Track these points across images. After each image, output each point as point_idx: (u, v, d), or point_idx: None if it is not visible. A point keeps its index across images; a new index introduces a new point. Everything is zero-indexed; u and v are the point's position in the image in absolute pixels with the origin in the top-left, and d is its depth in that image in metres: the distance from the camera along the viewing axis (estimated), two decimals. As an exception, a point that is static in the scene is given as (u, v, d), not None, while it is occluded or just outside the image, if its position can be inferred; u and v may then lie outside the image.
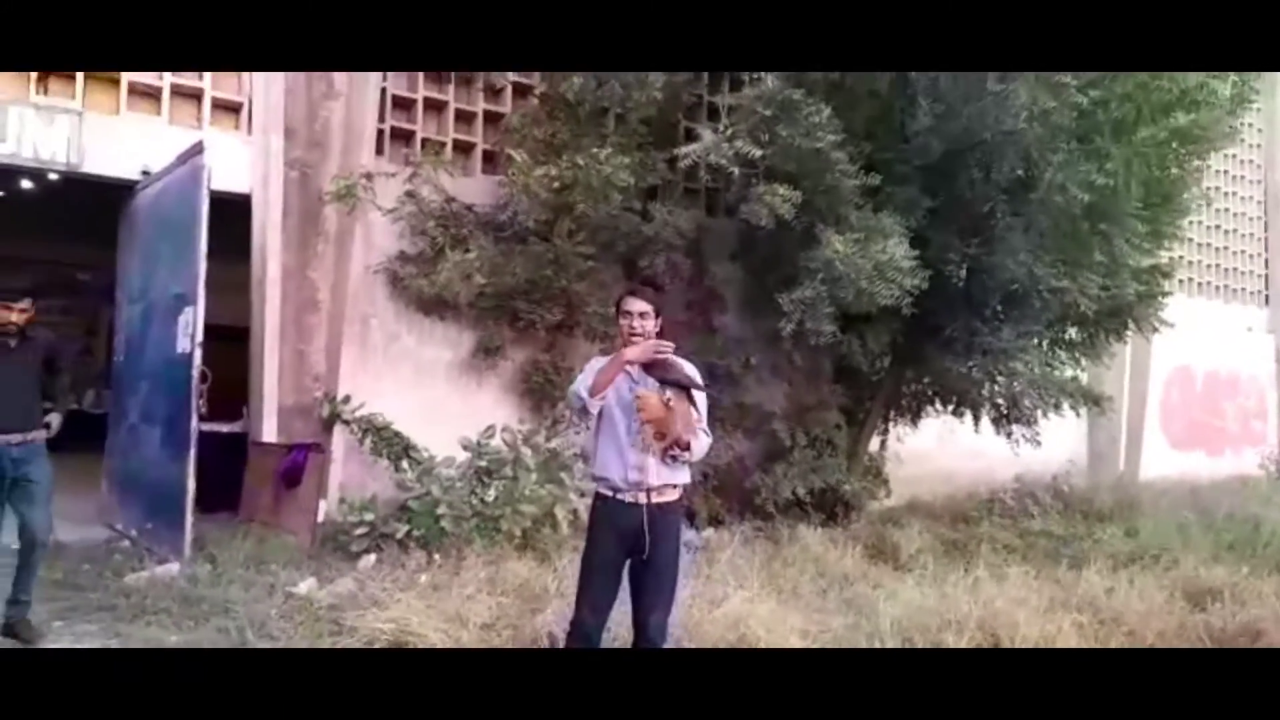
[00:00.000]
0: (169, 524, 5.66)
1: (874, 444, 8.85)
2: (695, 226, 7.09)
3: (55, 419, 4.46)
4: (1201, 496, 8.79)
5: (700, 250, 7.39)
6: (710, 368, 7.72)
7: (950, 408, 8.26)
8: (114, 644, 4.24)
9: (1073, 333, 7.80)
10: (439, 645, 4.16)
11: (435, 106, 7.41)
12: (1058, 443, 9.43)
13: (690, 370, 3.32)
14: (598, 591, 3.26)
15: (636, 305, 3.29)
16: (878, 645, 4.06)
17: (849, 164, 5.83)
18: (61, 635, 4.40)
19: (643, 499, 3.19)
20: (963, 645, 4.05)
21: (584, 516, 6.72)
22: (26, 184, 8.01)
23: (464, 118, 7.54)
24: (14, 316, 4.28)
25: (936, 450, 9.48)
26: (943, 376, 7.76)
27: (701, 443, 3.23)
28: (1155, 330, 7.75)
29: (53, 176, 6.47)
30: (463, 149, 7.52)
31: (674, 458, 3.20)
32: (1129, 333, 7.82)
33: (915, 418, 8.68)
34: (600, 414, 3.31)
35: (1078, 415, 8.22)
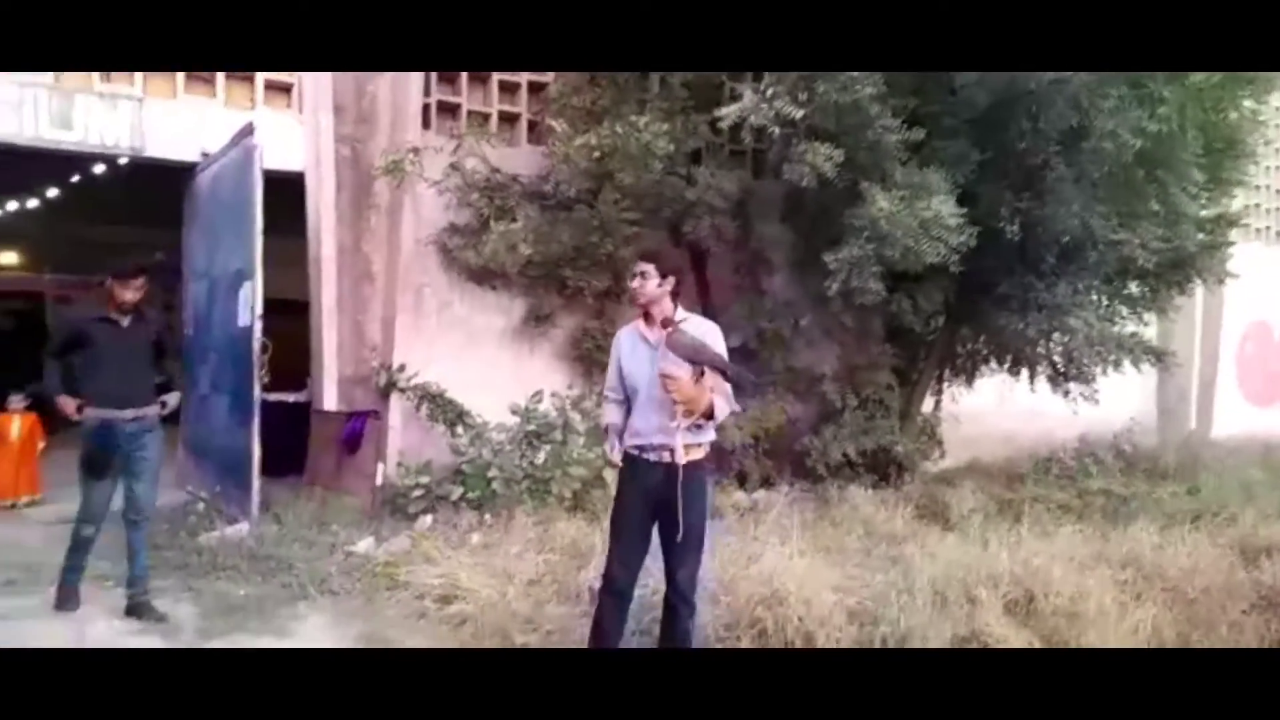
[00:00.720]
0: (238, 487, 5.96)
1: (928, 404, 8.75)
2: (739, 189, 7.05)
3: (173, 398, 4.47)
4: (1275, 454, 8.48)
5: (746, 212, 7.36)
6: (759, 330, 7.76)
7: (1006, 366, 8.10)
8: (187, 598, 4.51)
9: (1133, 287, 7.56)
10: (486, 599, 4.32)
11: (479, 79, 7.50)
12: (1124, 401, 9.19)
13: (714, 339, 3.37)
14: (626, 548, 3.38)
15: (638, 266, 3.40)
16: (909, 600, 4.08)
17: (892, 119, 5.73)
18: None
19: (666, 458, 3.28)
20: (996, 600, 4.06)
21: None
22: (98, 169, 8.43)
23: (508, 88, 7.62)
24: (129, 294, 4.26)
25: (995, 411, 9.31)
26: (997, 334, 7.61)
27: (723, 409, 3.31)
28: (1220, 282, 7.47)
29: (121, 161, 6.79)
30: (508, 120, 7.61)
31: (699, 426, 3.29)
32: (1193, 285, 7.55)
33: (970, 377, 8.54)
34: (624, 379, 3.42)
35: (1139, 372, 7.97)
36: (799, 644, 3.80)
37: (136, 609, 4.28)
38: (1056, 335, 7.31)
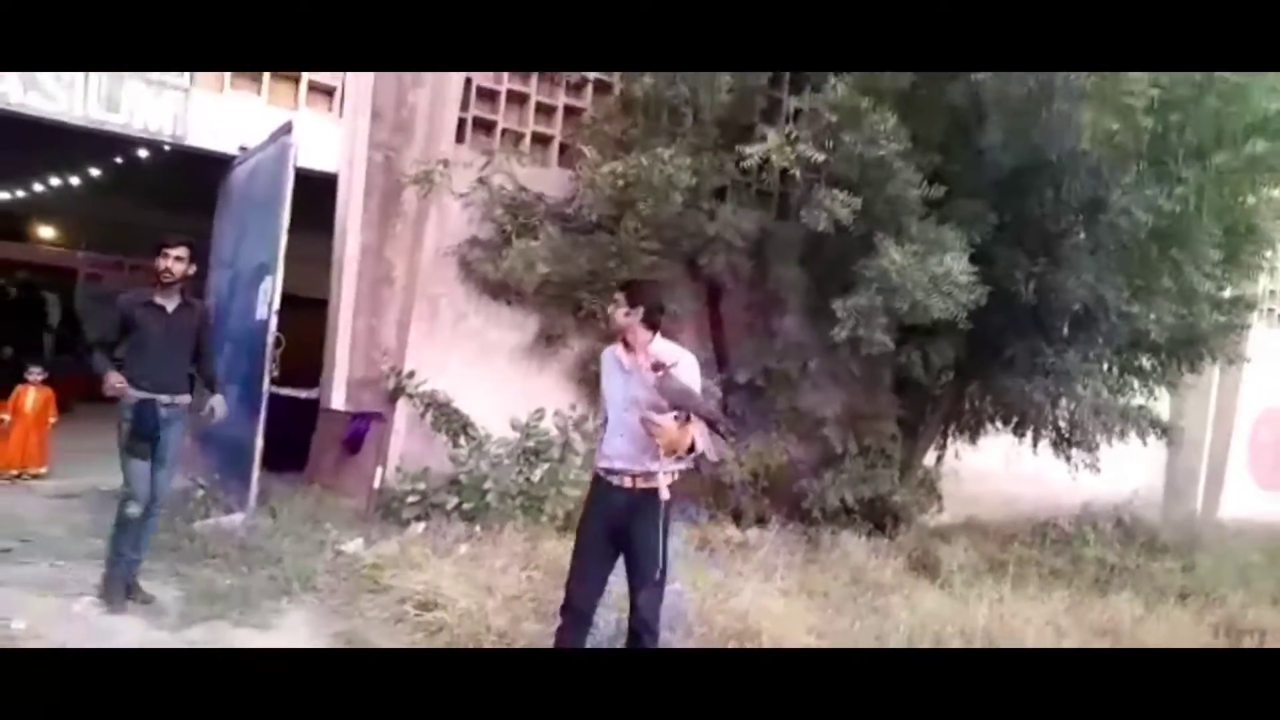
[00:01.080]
0: (238, 477, 6.06)
1: (930, 458, 8.75)
2: (758, 229, 7.15)
3: (219, 406, 4.54)
4: (1278, 540, 8.39)
5: (764, 252, 7.45)
6: (766, 369, 7.82)
7: (1010, 427, 8.10)
8: (174, 582, 4.59)
9: (1145, 360, 7.56)
10: (464, 609, 4.38)
11: (518, 99, 7.66)
12: (1132, 474, 9.14)
13: (691, 372, 3.42)
14: (585, 566, 3.46)
15: (617, 295, 3.52)
16: (878, 646, 4.10)
17: (914, 174, 5.81)
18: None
19: (628, 483, 3.36)
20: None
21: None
22: (141, 153, 8.68)
23: (545, 110, 7.78)
24: (172, 264, 4.24)
25: (1000, 471, 9.29)
26: (1004, 395, 7.62)
27: (701, 446, 3.34)
28: (1232, 363, 7.45)
29: (164, 148, 7.00)
30: (541, 141, 7.76)
31: (679, 459, 3.35)
32: (1205, 363, 7.53)
33: (975, 435, 8.54)
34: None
35: (1144, 444, 7.94)
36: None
37: (126, 590, 4.32)
38: (1063, 401, 7.32)
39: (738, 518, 7.72)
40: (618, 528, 3.38)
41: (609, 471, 3.44)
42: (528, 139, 7.59)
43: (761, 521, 7.73)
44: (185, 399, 4.40)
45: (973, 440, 8.62)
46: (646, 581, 3.33)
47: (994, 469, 9.18)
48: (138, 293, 4.42)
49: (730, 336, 8.11)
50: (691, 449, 3.31)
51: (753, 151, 5.83)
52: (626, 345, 3.47)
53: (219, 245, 7.50)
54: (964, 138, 6.21)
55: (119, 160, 10.10)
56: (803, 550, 6.88)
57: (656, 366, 3.28)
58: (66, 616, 4.08)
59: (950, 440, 8.78)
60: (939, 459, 8.84)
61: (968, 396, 8.26)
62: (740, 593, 4.62)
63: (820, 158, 5.66)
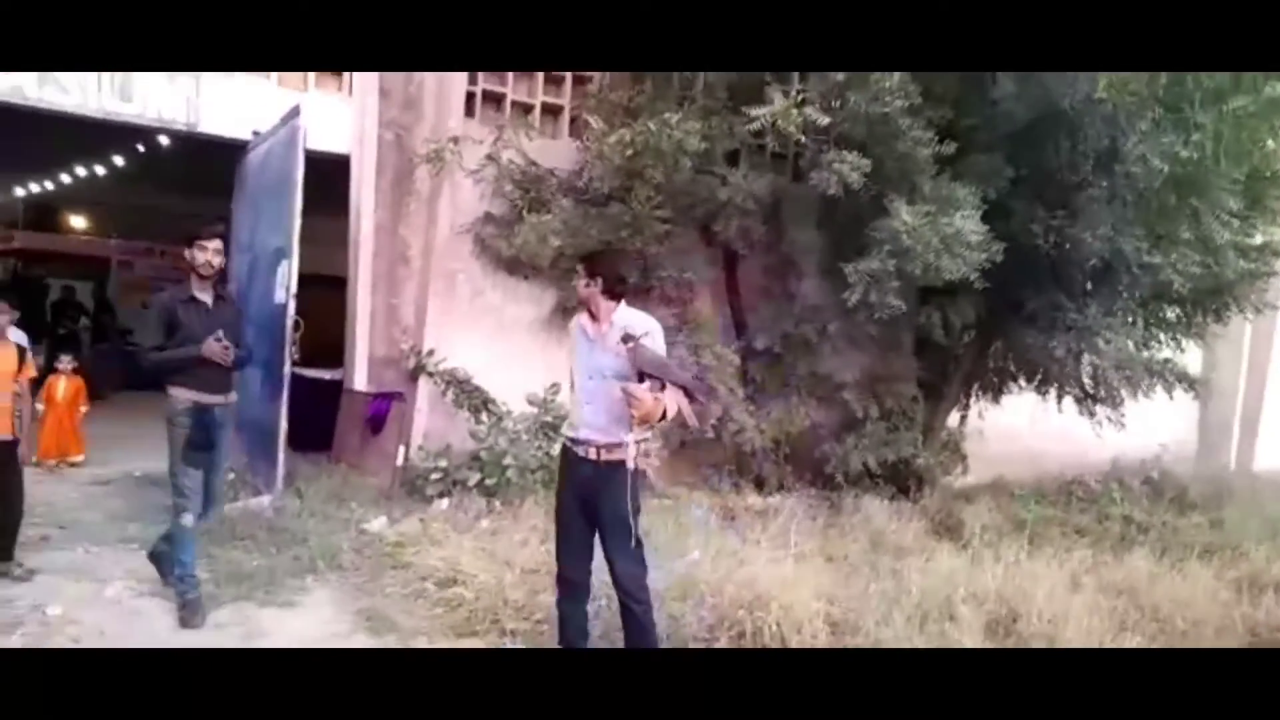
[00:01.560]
0: (265, 460, 6.19)
1: (954, 419, 8.70)
2: (772, 192, 7.08)
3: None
4: (1315, 491, 8.24)
5: (779, 216, 7.38)
6: (784, 334, 7.79)
7: (1034, 385, 8.01)
8: (203, 564, 4.71)
9: (1170, 312, 7.41)
10: (483, 584, 4.46)
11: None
12: (1162, 428, 9.01)
13: (658, 338, 3.43)
14: (566, 539, 3.52)
15: (578, 267, 3.56)
16: (889, 612, 4.13)
17: (923, 131, 5.70)
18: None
19: (593, 454, 3.40)
20: (979, 617, 4.07)
21: (651, 477, 7.03)
22: (161, 140, 8.77)
23: (553, 80, 7.73)
24: (210, 257, 4.18)
25: (1026, 430, 9.21)
26: (1026, 352, 7.52)
27: (674, 411, 3.35)
28: (1259, 311, 7.28)
29: (180, 131, 7.07)
30: (551, 112, 7.73)
31: (650, 428, 3.39)
32: (1230, 313, 7.36)
33: (998, 394, 8.46)
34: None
35: (1170, 398, 7.81)
36: (772, 647, 3.86)
37: (157, 558, 4.42)
38: (1085, 356, 7.21)
39: (760, 485, 7.75)
40: (586, 498, 3.44)
41: (575, 441, 3.49)
42: (537, 111, 7.56)
43: (784, 488, 7.76)
44: (234, 397, 4.37)
45: (996, 399, 8.54)
46: (621, 552, 3.37)
47: (1020, 427, 9.09)
48: (175, 290, 4.34)
49: (747, 302, 8.07)
50: (663, 417, 3.32)
51: (758, 114, 5.74)
52: (591, 315, 3.50)
53: (237, 230, 7.58)
54: (977, 90, 6.07)
55: (139, 149, 10.22)
56: (824, 515, 6.89)
57: (627, 338, 3.29)
58: (100, 601, 4.23)
59: (973, 400, 8.72)
60: (962, 419, 8.78)
61: (990, 355, 8.17)
62: (750, 561, 4.65)
63: (826, 120, 5.56)
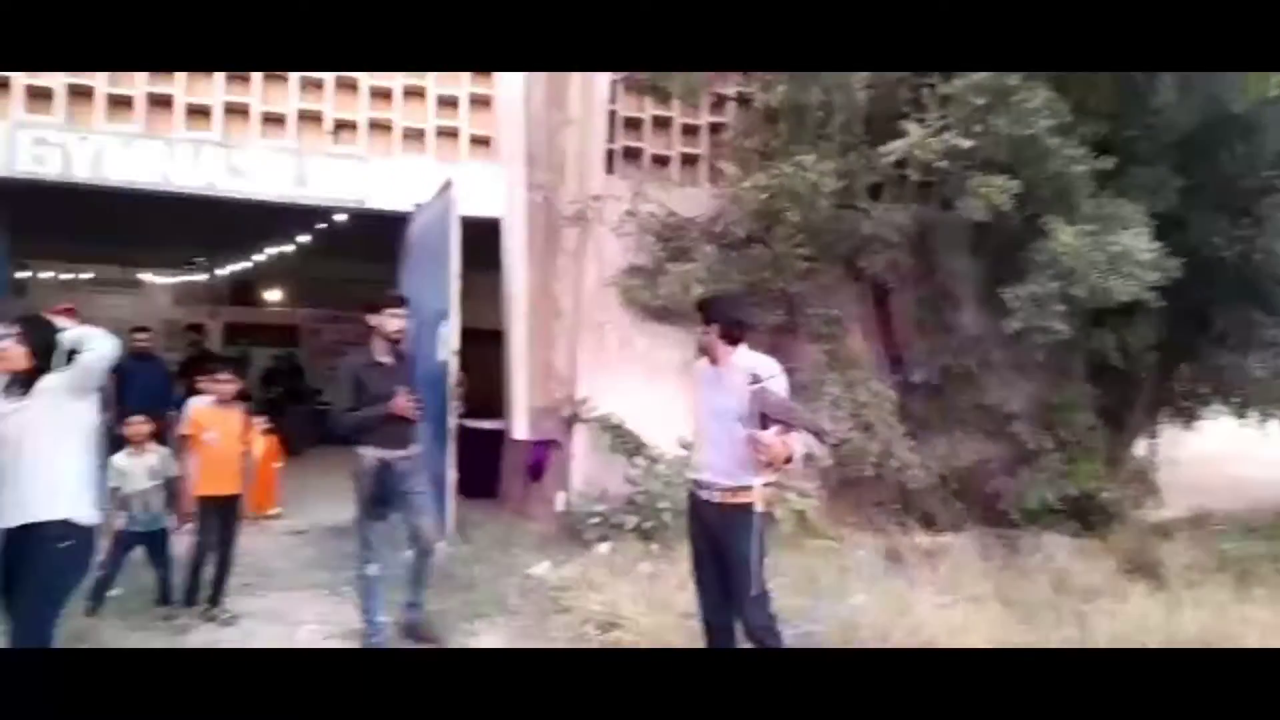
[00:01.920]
0: (436, 509, 6.53)
1: (1142, 448, 8.05)
2: (917, 222, 6.90)
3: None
4: None
5: (928, 245, 7.18)
6: (944, 367, 7.51)
7: (1232, 408, 7.31)
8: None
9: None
10: (642, 629, 4.50)
11: (661, 123, 7.84)
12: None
13: (783, 382, 3.40)
14: (699, 583, 3.56)
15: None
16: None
17: (1077, 148, 5.42)
18: (343, 603, 5.28)
19: (717, 497, 3.40)
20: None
21: (812, 517, 6.89)
22: (338, 217, 9.57)
23: (690, 130, 7.90)
24: (396, 324, 4.51)
25: (1231, 456, 8.41)
26: (1219, 373, 6.91)
27: (799, 455, 3.35)
28: None
29: (351, 209, 7.73)
30: (690, 160, 7.89)
31: (775, 471, 3.38)
32: None
33: (1190, 419, 7.77)
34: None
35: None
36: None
37: (412, 629, 4.63)
38: (1291, 375, 6.53)
39: (928, 523, 7.44)
40: (711, 541, 3.45)
41: (699, 485, 3.51)
42: (674, 162, 7.74)
43: (954, 527, 7.40)
44: (419, 449, 4.63)
45: (1189, 425, 7.84)
46: (744, 597, 3.34)
47: (1222, 453, 8.31)
48: (358, 353, 4.66)
49: (901, 336, 7.85)
50: (789, 460, 3.29)
51: (894, 148, 5.65)
52: (712, 359, 3.52)
53: (404, 294, 8.14)
54: (1135, 101, 5.72)
55: (319, 226, 11.19)
56: (1000, 555, 6.51)
57: (754, 380, 3.29)
58: (292, 644, 4.58)
59: (1163, 426, 8.05)
60: (1153, 448, 8.11)
61: (1176, 378, 7.54)
62: (921, 604, 4.46)
63: (967, 144, 5.39)
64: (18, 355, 3.19)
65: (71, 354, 3.29)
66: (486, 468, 7.99)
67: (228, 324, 16.79)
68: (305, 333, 17.27)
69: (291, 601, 5.31)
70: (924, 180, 7.59)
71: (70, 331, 3.33)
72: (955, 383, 7.42)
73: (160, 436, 5.27)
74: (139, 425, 4.97)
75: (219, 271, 16.83)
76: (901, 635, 4.04)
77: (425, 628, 4.64)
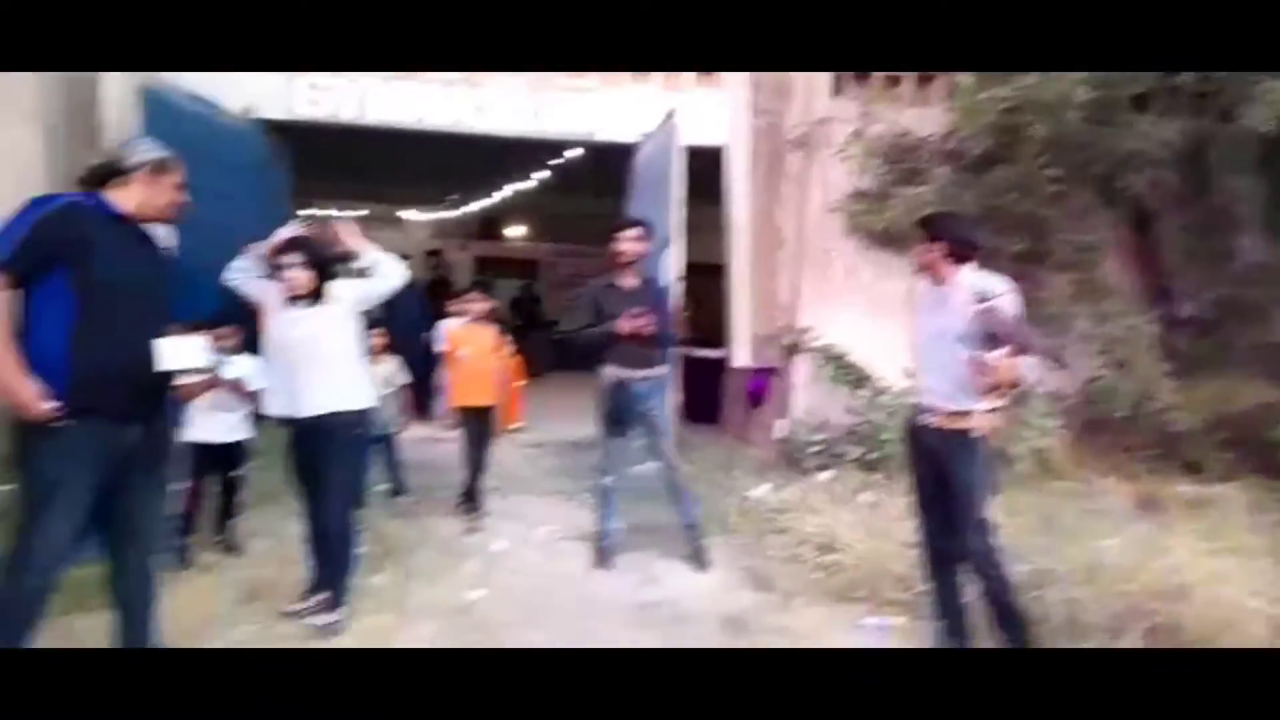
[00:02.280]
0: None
1: None
2: (1190, 137, 6.11)
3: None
4: None
5: (1201, 163, 6.35)
6: (1218, 298, 6.70)
7: None
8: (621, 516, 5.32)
9: None
10: (862, 553, 4.49)
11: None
12: None
13: (1016, 303, 3.18)
14: (922, 508, 3.47)
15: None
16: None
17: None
18: (580, 508, 5.68)
19: (938, 422, 3.29)
20: None
21: (1053, 457, 6.47)
22: (571, 154, 10.02)
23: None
24: (626, 246, 4.58)
25: None
26: None
27: (1026, 380, 3.20)
28: None
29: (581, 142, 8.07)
30: (925, 79, 7.43)
31: (1001, 395, 3.19)
32: None
33: None
34: None
35: None
36: (1191, 644, 3.38)
37: (695, 554, 4.68)
38: None
39: (1191, 471, 6.74)
40: (932, 466, 3.34)
41: (920, 409, 3.40)
42: (907, 79, 7.32)
43: (1223, 478, 6.66)
44: (659, 371, 4.69)
45: None
46: (968, 524, 3.21)
47: None
48: (600, 279, 4.77)
49: (1166, 265, 7.06)
50: (1015, 384, 3.11)
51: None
52: (935, 279, 3.35)
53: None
54: None
55: (553, 162, 11.75)
56: (1276, 509, 5.80)
57: (981, 299, 3.11)
58: (531, 542, 5.03)
59: None
60: None
61: None
62: (1173, 550, 4.10)
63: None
64: (305, 279, 3.72)
65: (361, 272, 3.81)
66: (708, 394, 8.19)
67: (476, 257, 18.14)
68: (544, 266, 18.32)
69: (533, 505, 5.83)
70: (1202, 90, 6.72)
71: (370, 254, 3.85)
72: (1233, 317, 6.60)
73: (395, 349, 5.81)
74: (377, 338, 5.52)
75: (468, 208, 18.14)
76: (1150, 578, 3.74)
77: (699, 553, 4.68)
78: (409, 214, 17.70)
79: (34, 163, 5.81)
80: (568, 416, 8.15)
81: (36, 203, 2.71)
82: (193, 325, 3.03)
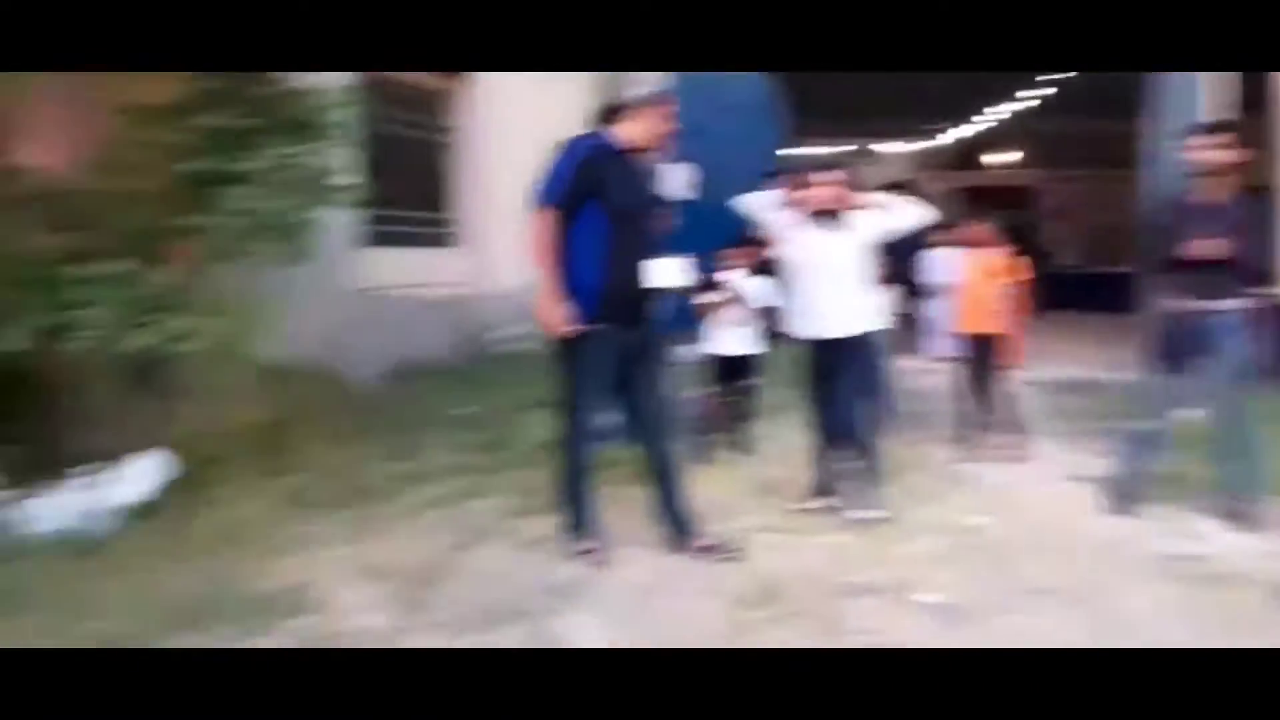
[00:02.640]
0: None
1: None
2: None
3: None
4: None
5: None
6: None
7: None
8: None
9: None
10: None
11: None
12: None
13: None
14: None
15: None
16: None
17: None
18: (1073, 450, 5.30)
19: None
20: None
21: None
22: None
23: None
24: (1209, 155, 3.86)
25: None
26: None
27: None
28: None
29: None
30: None
31: None
32: None
33: None
34: None
35: None
36: None
37: (1235, 514, 4.06)
38: None
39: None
40: None
41: None
42: None
43: None
44: (1237, 304, 3.88)
45: None
46: None
47: None
48: (1174, 197, 4.18)
49: None
50: None
51: None
52: None
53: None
54: None
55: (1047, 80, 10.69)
56: None
57: None
58: (1026, 479, 4.82)
59: None
60: None
61: None
62: None
63: None
64: (844, 197, 4.02)
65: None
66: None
67: (954, 188, 17.31)
68: (1034, 194, 16.81)
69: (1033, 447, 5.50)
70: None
71: (892, 201, 4.20)
72: None
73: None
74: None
75: (947, 138, 17.40)
76: None
77: (1242, 514, 4.02)
78: (884, 147, 17.50)
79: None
80: (1059, 357, 7.89)
81: (569, 145, 3.38)
82: (718, 251, 3.58)
